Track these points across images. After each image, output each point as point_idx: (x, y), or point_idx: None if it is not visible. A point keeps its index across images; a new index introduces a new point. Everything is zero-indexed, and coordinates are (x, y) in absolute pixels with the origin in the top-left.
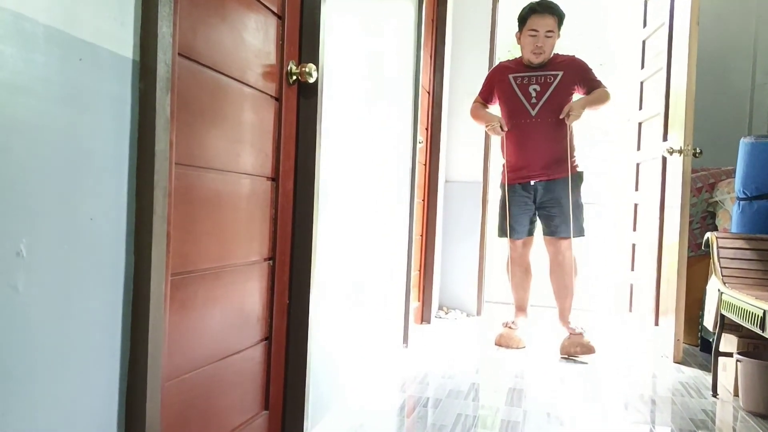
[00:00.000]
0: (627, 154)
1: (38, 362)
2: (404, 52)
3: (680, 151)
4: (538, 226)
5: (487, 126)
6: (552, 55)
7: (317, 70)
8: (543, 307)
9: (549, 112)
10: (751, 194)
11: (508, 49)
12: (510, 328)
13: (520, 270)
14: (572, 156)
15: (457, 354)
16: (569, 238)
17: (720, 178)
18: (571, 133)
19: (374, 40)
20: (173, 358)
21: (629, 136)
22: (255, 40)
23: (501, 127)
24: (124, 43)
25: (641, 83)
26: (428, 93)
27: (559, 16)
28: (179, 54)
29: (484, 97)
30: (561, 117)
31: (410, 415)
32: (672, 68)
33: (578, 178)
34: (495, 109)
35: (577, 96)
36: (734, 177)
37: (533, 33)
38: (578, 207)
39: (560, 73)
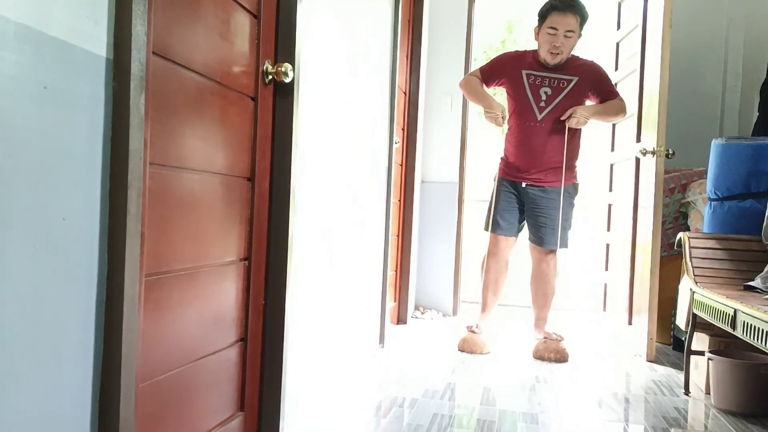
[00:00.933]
0: (601, 155)
1: (9, 364)
2: (380, 52)
3: (653, 152)
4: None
5: (486, 112)
6: (570, 57)
7: (293, 69)
8: (513, 306)
9: (555, 119)
10: (723, 195)
11: (484, 50)
12: (473, 332)
13: (496, 266)
14: (573, 166)
15: (433, 354)
16: (555, 250)
17: (692, 179)
18: (578, 140)
19: (350, 40)
20: (148, 359)
21: (603, 136)
22: (231, 39)
23: (502, 118)
24: (98, 42)
25: (615, 84)
26: (404, 93)
27: (582, 16)
28: (154, 53)
29: (486, 77)
30: (562, 119)
31: (386, 414)
32: (645, 70)
33: (573, 189)
34: (492, 95)
35: (588, 104)
36: (706, 178)
37: (552, 31)
38: (568, 219)
39: (575, 79)
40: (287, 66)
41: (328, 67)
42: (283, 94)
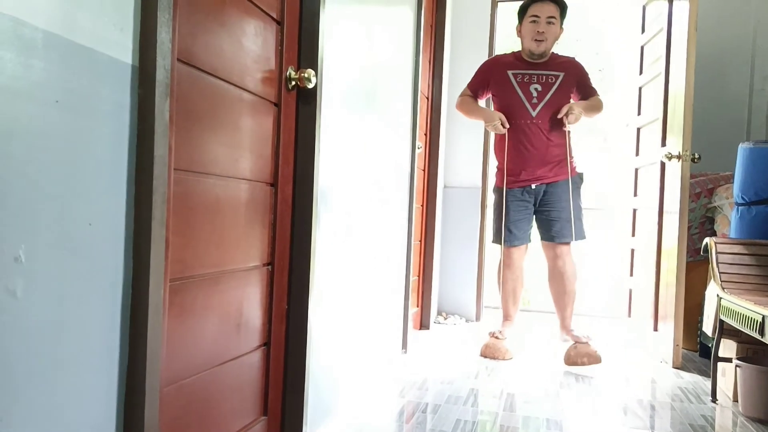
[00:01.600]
0: (626, 160)
1: (36, 368)
2: (403, 58)
3: (679, 157)
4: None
5: (487, 124)
6: (552, 54)
7: (316, 75)
8: (536, 312)
9: (550, 114)
10: (750, 199)
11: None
12: (497, 338)
13: (512, 277)
14: (571, 157)
15: (456, 359)
16: (569, 243)
17: (718, 183)
18: (569, 134)
19: (373, 46)
20: (172, 363)
21: (628, 141)
22: (254, 45)
23: (502, 124)
24: (124, 49)
25: (640, 89)
26: (427, 99)
27: (560, 4)
28: (178, 59)
29: (474, 90)
30: (559, 116)
31: (409, 420)
32: (670, 74)
33: (579, 179)
34: (483, 104)
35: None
36: (733, 182)
37: (534, 19)
38: (579, 209)
39: (562, 74)
40: (310, 72)
41: (351, 74)
42: (306, 100)
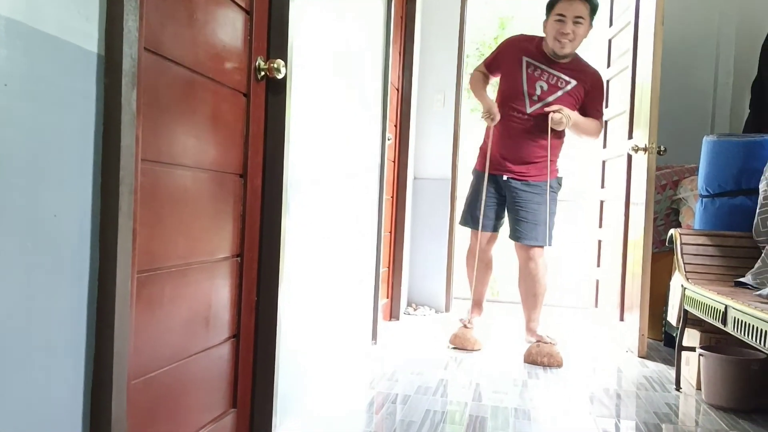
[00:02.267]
0: (593, 152)
1: (0, 361)
2: (373, 50)
3: (645, 149)
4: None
5: (483, 113)
6: (575, 57)
7: (286, 66)
8: (506, 303)
9: (544, 116)
10: (714, 192)
11: (477, 47)
12: (466, 327)
13: (481, 264)
14: (555, 161)
15: (425, 350)
16: (542, 246)
17: (684, 175)
18: (563, 138)
19: (343, 37)
20: (139, 356)
21: None
22: (223, 35)
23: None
24: (89, 37)
25: (607, 81)
26: (397, 90)
27: (592, 3)
28: (145, 48)
29: (488, 67)
30: (547, 110)
31: (379, 411)
32: (637, 67)
33: (557, 184)
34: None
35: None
36: (697, 175)
37: (560, 17)
38: (553, 214)
39: (573, 83)
40: (280, 62)
41: (320, 64)
42: (276, 90)
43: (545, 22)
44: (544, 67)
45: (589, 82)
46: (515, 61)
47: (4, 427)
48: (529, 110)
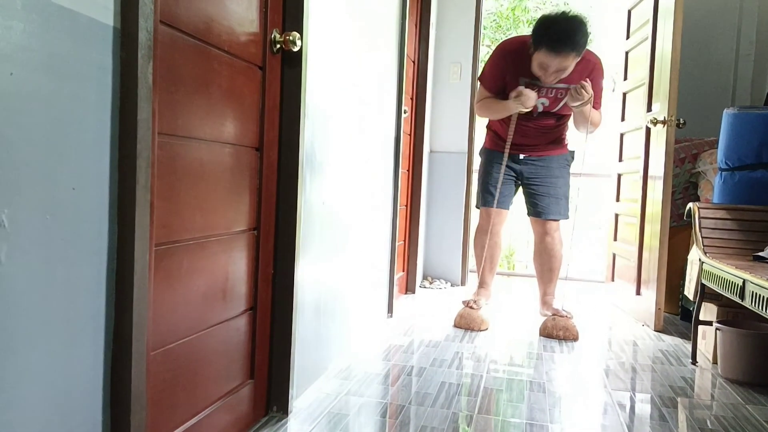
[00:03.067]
0: (611, 125)
1: (22, 333)
2: (389, 21)
3: (664, 122)
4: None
5: (514, 99)
6: None
7: (301, 38)
8: (521, 276)
9: (552, 114)
10: (734, 165)
11: (494, 18)
12: (471, 307)
13: (490, 244)
14: (566, 136)
15: (441, 323)
16: (558, 220)
17: (703, 148)
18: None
19: (359, 8)
20: (158, 327)
21: (613, 106)
22: (238, 7)
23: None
24: (105, 10)
25: (626, 53)
26: (413, 62)
27: (579, 51)
28: (161, 21)
29: (493, 88)
30: (572, 104)
31: (395, 383)
32: (657, 39)
33: (571, 156)
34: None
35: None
36: (717, 148)
37: (543, 65)
38: (567, 187)
39: (573, 87)
40: (295, 35)
41: (336, 37)
42: (292, 63)
43: (530, 50)
44: (540, 83)
45: (587, 76)
46: (513, 79)
47: (26, 398)
48: (535, 114)
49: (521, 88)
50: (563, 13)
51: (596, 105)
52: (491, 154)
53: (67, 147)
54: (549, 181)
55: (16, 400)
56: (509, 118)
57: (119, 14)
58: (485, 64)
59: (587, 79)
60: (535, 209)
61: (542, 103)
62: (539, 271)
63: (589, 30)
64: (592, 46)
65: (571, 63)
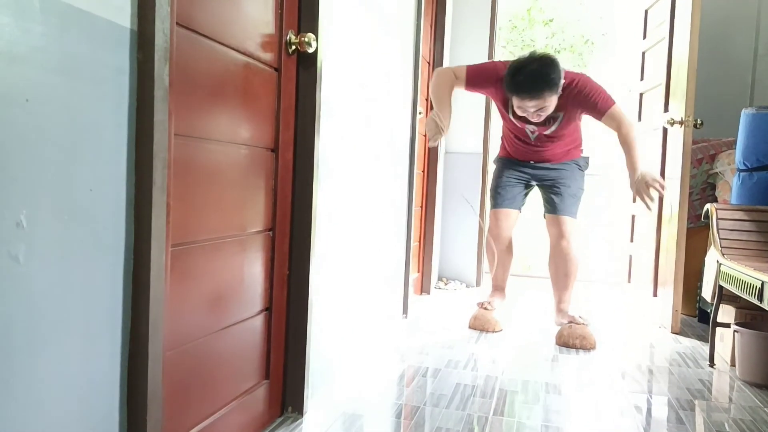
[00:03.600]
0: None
1: (40, 332)
2: (404, 22)
3: (681, 122)
4: (528, 202)
5: (430, 119)
6: None
7: (316, 39)
8: (536, 278)
9: (551, 138)
10: (752, 165)
11: (509, 18)
12: (485, 309)
13: (500, 248)
14: (580, 144)
15: (456, 325)
16: (575, 218)
17: (720, 149)
18: (579, 125)
19: (374, 10)
20: (174, 327)
21: (630, 107)
22: (253, 9)
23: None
24: (122, 12)
25: (643, 53)
26: (428, 63)
27: (553, 88)
28: (177, 23)
29: (471, 81)
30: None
31: (410, 384)
32: (674, 38)
33: (585, 162)
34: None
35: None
36: (735, 148)
37: (522, 108)
38: (582, 190)
39: (560, 115)
40: (310, 36)
41: (351, 38)
42: (307, 64)
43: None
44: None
45: (574, 102)
46: (501, 106)
47: (43, 397)
48: (532, 138)
49: (441, 132)
50: (531, 54)
51: (607, 103)
52: (503, 161)
53: (84, 148)
54: (565, 182)
55: (37, 399)
56: (512, 141)
57: (136, 16)
58: (486, 62)
59: (651, 180)
60: (551, 206)
61: (531, 131)
62: (554, 276)
63: (560, 67)
64: (606, 48)
65: (549, 100)
